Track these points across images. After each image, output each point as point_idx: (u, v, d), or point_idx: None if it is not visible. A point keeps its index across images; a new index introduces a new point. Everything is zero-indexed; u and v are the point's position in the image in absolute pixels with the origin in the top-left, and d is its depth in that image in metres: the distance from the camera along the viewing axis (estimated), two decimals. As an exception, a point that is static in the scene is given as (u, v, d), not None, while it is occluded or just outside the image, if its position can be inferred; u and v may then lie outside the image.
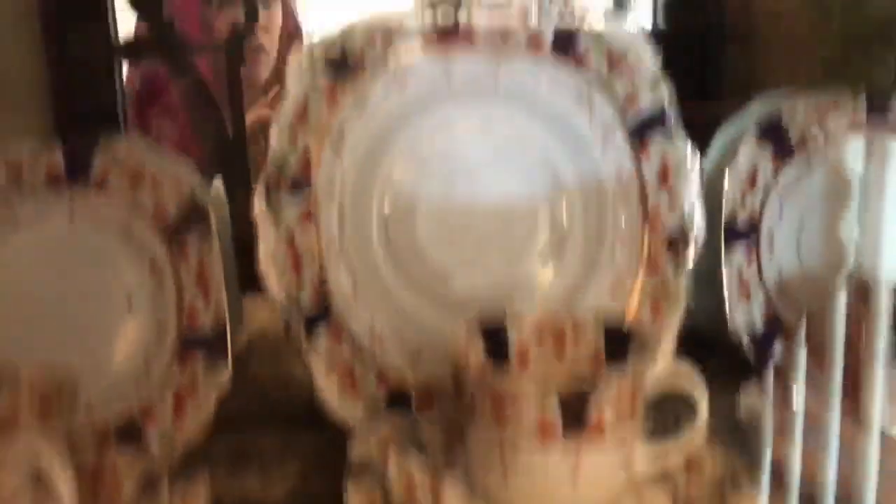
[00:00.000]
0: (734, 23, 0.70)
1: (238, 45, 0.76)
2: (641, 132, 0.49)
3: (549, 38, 0.48)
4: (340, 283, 0.47)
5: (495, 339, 0.40)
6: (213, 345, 0.46)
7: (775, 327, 0.52)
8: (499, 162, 0.49)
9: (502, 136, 0.49)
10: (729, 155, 0.52)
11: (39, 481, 0.33)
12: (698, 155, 0.49)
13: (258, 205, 0.45)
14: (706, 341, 0.51)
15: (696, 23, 0.75)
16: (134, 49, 0.75)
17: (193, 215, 0.47)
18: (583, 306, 0.49)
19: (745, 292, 0.52)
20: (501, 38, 0.48)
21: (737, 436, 0.44)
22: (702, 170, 0.50)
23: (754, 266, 0.52)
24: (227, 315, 0.47)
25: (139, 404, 0.45)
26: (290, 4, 0.99)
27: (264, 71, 0.90)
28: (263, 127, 0.79)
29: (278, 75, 0.86)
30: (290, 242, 0.46)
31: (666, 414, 0.37)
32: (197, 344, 0.46)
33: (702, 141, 0.53)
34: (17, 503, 0.32)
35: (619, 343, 0.39)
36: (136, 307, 0.47)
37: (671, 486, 0.38)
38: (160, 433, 0.45)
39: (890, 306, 0.45)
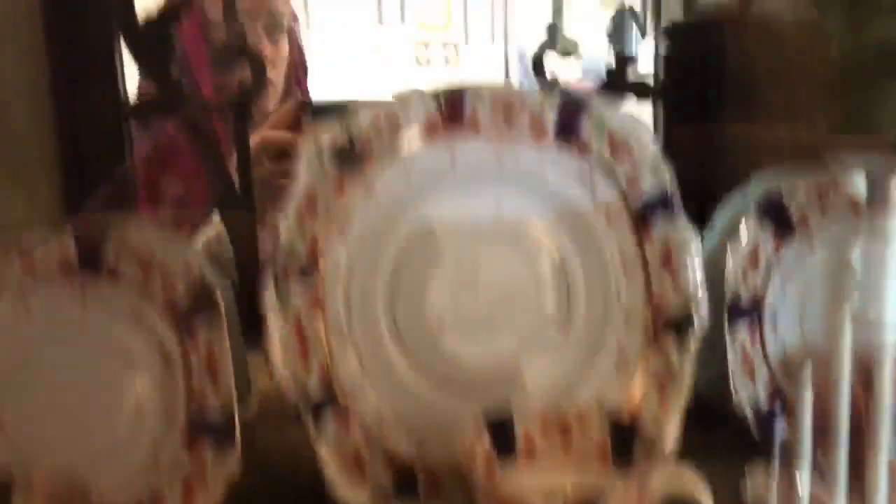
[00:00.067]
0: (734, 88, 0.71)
1: (245, 105, 0.77)
2: (644, 215, 0.50)
3: (551, 123, 0.49)
4: (348, 366, 0.48)
5: (501, 432, 0.41)
6: (221, 430, 0.47)
7: (780, 405, 0.52)
8: (504, 245, 0.50)
9: (507, 220, 0.50)
10: (730, 231, 0.53)
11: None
12: (700, 233, 0.50)
13: (267, 295, 0.46)
14: (711, 410, 0.52)
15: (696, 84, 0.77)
16: (142, 109, 0.77)
17: (202, 301, 0.48)
18: (588, 387, 0.49)
19: (748, 369, 0.52)
20: (505, 124, 0.49)
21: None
22: (703, 246, 0.50)
23: (758, 343, 0.53)
24: (235, 399, 0.47)
25: (149, 491, 0.46)
26: (296, 38, 1.01)
27: (271, 103, 0.91)
28: (266, 148, 0.81)
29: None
30: (298, 330, 0.47)
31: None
32: (206, 430, 0.47)
33: (703, 216, 0.54)
34: None
35: (626, 434, 0.40)
36: (146, 392, 0.48)
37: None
38: (169, 521, 0.45)
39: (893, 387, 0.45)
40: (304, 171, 0.47)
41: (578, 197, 0.50)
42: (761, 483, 0.47)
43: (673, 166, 0.49)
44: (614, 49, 0.80)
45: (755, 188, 0.54)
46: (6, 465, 0.44)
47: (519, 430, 0.41)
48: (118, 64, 0.72)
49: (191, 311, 0.47)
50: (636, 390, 0.49)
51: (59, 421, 0.46)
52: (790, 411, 0.52)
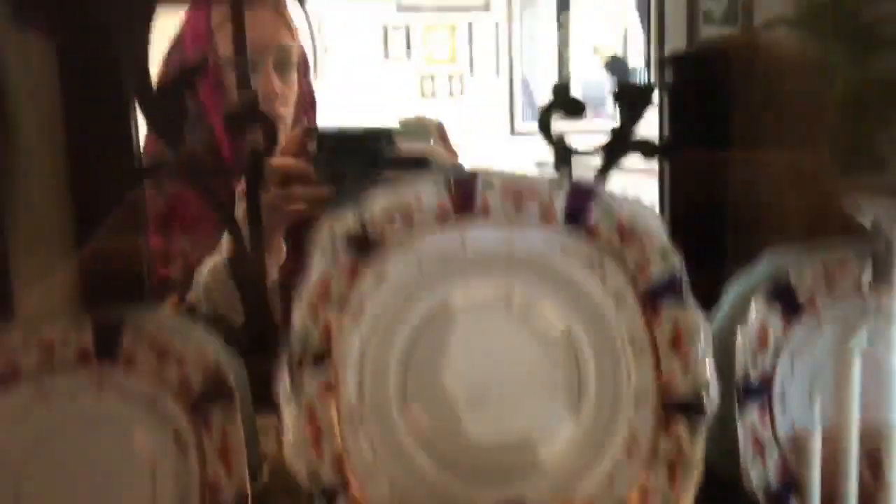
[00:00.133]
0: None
1: (257, 169, 0.78)
2: (653, 299, 0.50)
3: (560, 210, 0.50)
4: (360, 451, 0.48)
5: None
6: (235, 517, 0.47)
7: (790, 485, 0.53)
8: (515, 328, 0.50)
9: (517, 303, 0.51)
10: (739, 311, 0.53)
11: None
12: (709, 314, 0.51)
13: (282, 385, 0.47)
14: (721, 486, 0.52)
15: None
16: (155, 172, 0.78)
17: (217, 389, 0.48)
18: (599, 469, 0.50)
19: (759, 450, 0.53)
20: (515, 210, 0.50)
21: None
22: (712, 325, 0.51)
23: (768, 422, 0.53)
24: (248, 485, 0.48)
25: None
26: (306, 75, 1.03)
27: (281, 137, 0.92)
28: (272, 173, 0.81)
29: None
30: (311, 417, 0.47)
31: None
32: (220, 517, 0.47)
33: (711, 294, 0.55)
34: None
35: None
36: (160, 479, 0.48)
37: None
38: None
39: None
40: (319, 259, 0.48)
41: (588, 280, 0.50)
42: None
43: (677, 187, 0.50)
44: (619, 109, 0.80)
45: (764, 267, 0.55)
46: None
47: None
48: (133, 129, 0.73)
49: (206, 400, 0.48)
50: (648, 471, 0.49)
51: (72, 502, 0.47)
52: (800, 490, 0.53)
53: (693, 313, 0.50)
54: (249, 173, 0.75)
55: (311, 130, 0.77)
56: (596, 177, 0.78)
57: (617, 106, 0.82)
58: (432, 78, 3.09)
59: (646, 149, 0.80)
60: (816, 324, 0.53)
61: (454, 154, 0.79)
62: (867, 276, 0.53)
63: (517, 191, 0.50)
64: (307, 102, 1.02)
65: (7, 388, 0.47)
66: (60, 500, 0.48)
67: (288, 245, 0.80)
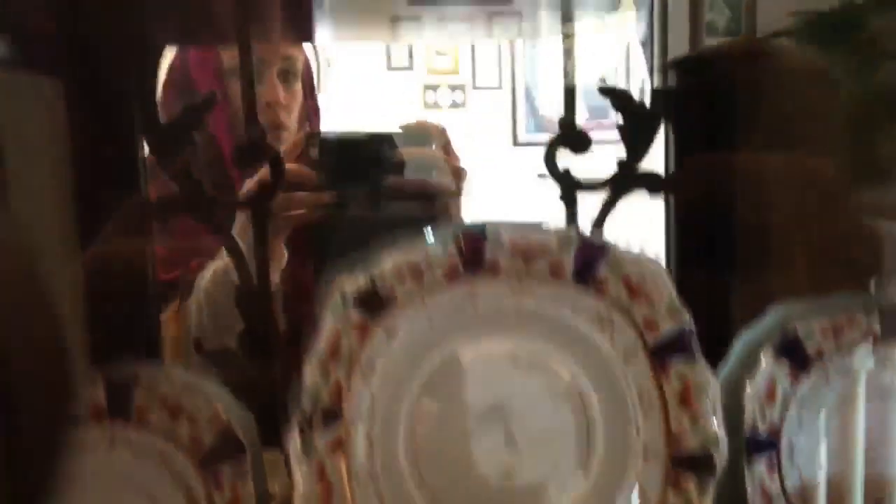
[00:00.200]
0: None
1: (264, 203, 0.78)
2: (662, 355, 0.50)
3: (569, 267, 0.50)
4: (370, 509, 0.49)
5: None
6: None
7: (799, 537, 0.53)
8: (524, 383, 0.51)
9: (526, 359, 0.51)
10: (747, 363, 0.54)
11: None
12: (716, 366, 0.51)
13: (292, 445, 0.47)
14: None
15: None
16: (163, 208, 0.78)
17: (229, 448, 0.49)
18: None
19: (767, 502, 0.53)
20: (524, 267, 0.50)
21: None
22: (720, 377, 0.51)
23: (776, 476, 0.53)
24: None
25: None
26: (310, 84, 1.03)
27: (285, 146, 0.92)
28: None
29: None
30: (321, 475, 0.48)
31: None
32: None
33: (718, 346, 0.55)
34: None
35: None
36: (172, 537, 0.48)
37: None
38: None
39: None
40: (329, 318, 0.48)
41: (597, 336, 0.51)
42: None
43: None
44: (624, 142, 0.81)
45: (771, 319, 0.55)
46: None
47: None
48: (140, 165, 0.74)
49: (216, 457, 0.48)
50: (656, 532, 0.49)
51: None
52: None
53: (702, 369, 0.50)
54: (257, 210, 0.75)
55: (314, 135, 0.77)
56: (601, 210, 0.78)
57: (622, 137, 0.82)
58: (435, 89, 3.10)
59: (651, 184, 0.81)
60: (824, 375, 0.53)
61: (456, 159, 0.78)
62: (874, 328, 0.54)
63: (526, 248, 0.50)
64: (311, 112, 1.02)
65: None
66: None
67: (289, 250, 0.80)
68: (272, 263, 0.75)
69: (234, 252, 0.74)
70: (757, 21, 0.82)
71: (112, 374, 0.49)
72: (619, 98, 0.77)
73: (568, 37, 0.84)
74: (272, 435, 0.54)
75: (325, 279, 0.51)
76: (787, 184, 0.72)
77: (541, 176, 0.81)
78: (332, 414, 0.48)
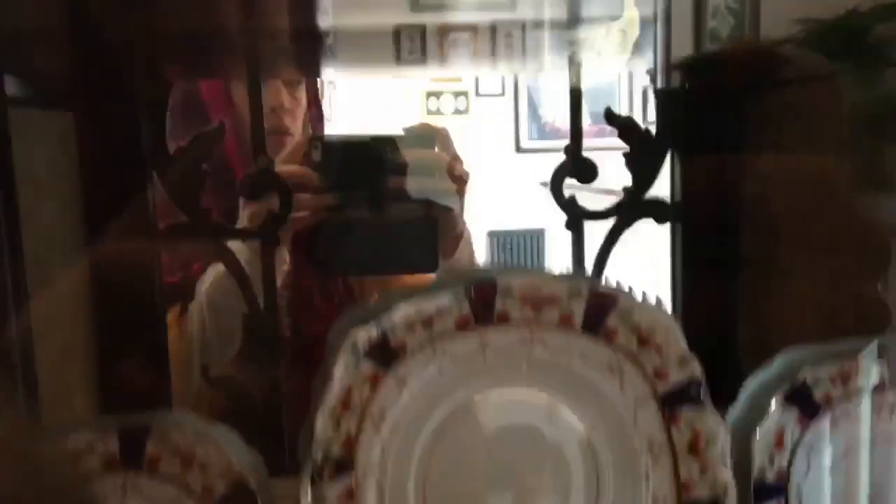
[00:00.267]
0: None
1: (272, 232, 0.78)
2: (672, 404, 0.51)
3: (579, 317, 0.51)
4: (381, 558, 0.49)
5: None
6: None
7: (807, 583, 0.53)
8: (534, 431, 0.51)
9: (536, 407, 0.51)
10: (755, 409, 0.54)
11: None
12: (725, 413, 0.51)
13: (303, 496, 0.47)
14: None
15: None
16: (172, 235, 0.78)
17: (239, 494, 0.49)
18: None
19: (776, 548, 0.53)
20: (534, 317, 0.51)
21: None
22: (728, 421, 0.51)
23: (784, 522, 0.53)
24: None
25: None
26: (315, 89, 1.03)
27: (286, 153, 0.92)
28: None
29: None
30: (334, 528, 0.48)
31: None
32: None
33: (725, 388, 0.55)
34: None
35: None
36: (184, 585, 0.49)
37: None
38: None
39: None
40: (340, 369, 0.49)
41: (606, 385, 0.51)
42: None
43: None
44: (630, 170, 0.81)
45: (779, 364, 0.55)
46: None
47: None
48: (150, 194, 0.74)
49: (229, 506, 0.49)
50: (666, 582, 0.50)
51: None
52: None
53: (712, 418, 0.50)
54: (266, 236, 0.76)
55: (316, 138, 0.77)
56: (606, 239, 0.78)
57: (628, 165, 0.83)
58: (438, 95, 3.10)
59: (658, 212, 0.81)
60: (832, 421, 0.54)
61: (459, 161, 0.78)
62: (882, 373, 0.54)
63: (536, 298, 0.50)
64: (315, 117, 1.02)
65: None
66: None
67: (291, 252, 0.80)
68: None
69: (240, 278, 0.74)
70: (760, 28, 0.82)
71: (125, 423, 0.49)
72: (624, 126, 0.78)
73: (573, 44, 0.84)
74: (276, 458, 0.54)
75: (337, 327, 0.52)
76: (796, 208, 0.72)
77: (543, 184, 0.81)
78: (343, 465, 0.49)
